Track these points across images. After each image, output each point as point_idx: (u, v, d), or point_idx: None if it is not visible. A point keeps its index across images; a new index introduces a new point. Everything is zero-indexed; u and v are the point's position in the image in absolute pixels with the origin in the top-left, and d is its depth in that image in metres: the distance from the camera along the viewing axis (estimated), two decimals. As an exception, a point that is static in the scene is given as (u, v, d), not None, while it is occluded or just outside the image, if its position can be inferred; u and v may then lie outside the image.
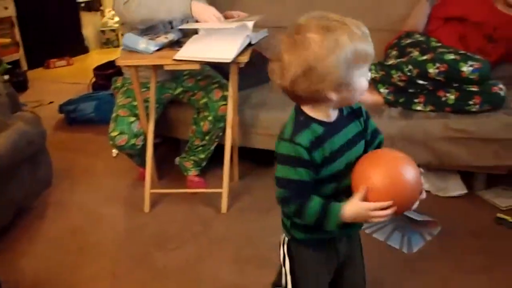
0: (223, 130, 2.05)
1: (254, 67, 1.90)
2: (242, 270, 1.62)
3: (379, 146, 1.08)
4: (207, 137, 2.10)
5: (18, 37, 4.34)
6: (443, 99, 1.95)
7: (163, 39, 1.94)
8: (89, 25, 5.54)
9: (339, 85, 0.90)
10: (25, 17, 4.42)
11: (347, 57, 0.87)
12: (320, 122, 0.96)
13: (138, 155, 2.11)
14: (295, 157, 0.94)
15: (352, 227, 1.04)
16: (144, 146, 2.02)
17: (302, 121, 0.96)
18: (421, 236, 1.80)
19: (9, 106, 2.02)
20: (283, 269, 1.12)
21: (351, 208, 0.95)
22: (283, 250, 1.11)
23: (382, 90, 2.08)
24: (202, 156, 2.18)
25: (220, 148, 2.07)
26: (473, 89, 1.90)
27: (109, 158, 2.55)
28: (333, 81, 0.89)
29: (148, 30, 2.03)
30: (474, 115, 1.91)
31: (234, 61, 1.77)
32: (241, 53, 1.80)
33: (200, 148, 2.15)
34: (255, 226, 1.88)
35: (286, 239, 1.10)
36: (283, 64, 0.91)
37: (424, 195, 0.98)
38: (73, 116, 3.09)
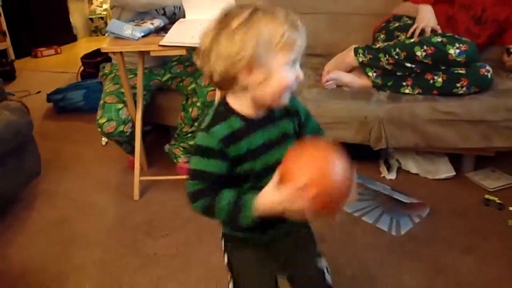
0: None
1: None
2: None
3: None
4: (196, 123, 2.09)
5: (4, 26, 4.28)
6: (431, 82, 1.94)
7: (149, 25, 1.92)
8: (77, 13, 5.47)
9: (248, 65, 0.83)
10: (12, 6, 4.35)
11: (264, 38, 0.81)
12: (242, 117, 0.90)
13: (127, 143, 2.09)
14: (208, 148, 0.89)
15: (291, 224, 0.92)
16: (132, 133, 2.01)
17: (221, 112, 0.91)
18: (410, 218, 1.81)
19: (-6, 96, 2.00)
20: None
21: (265, 197, 0.86)
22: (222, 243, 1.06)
23: (370, 73, 2.08)
24: (192, 142, 2.17)
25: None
26: (461, 71, 1.90)
27: (99, 147, 2.54)
28: (239, 58, 0.82)
29: (143, 14, 2.01)
30: (462, 98, 1.92)
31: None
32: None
33: (190, 134, 2.14)
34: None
35: (222, 240, 1.05)
36: (205, 48, 0.86)
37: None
38: (61, 105, 3.06)
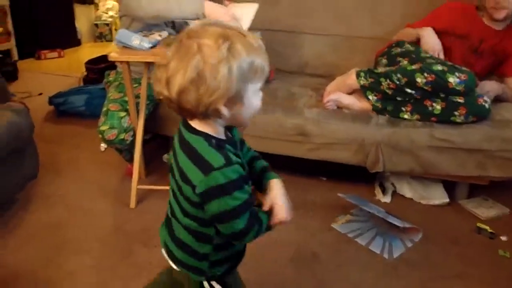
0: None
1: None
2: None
3: (263, 169, 1.05)
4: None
5: (10, 26, 4.31)
6: (430, 108, 1.98)
7: (157, 37, 1.95)
8: (83, 17, 5.52)
9: (231, 99, 0.83)
10: (18, 6, 4.39)
11: (241, 69, 0.81)
12: (219, 140, 0.90)
13: (127, 150, 2.11)
14: (238, 178, 0.87)
15: None
16: (133, 141, 2.02)
17: (215, 144, 0.88)
18: (402, 242, 1.83)
19: (-3, 96, 2.01)
20: None
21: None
22: None
23: (370, 97, 2.11)
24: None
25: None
26: (459, 100, 1.93)
27: (97, 152, 2.55)
28: (224, 94, 0.81)
29: (152, 26, 2.04)
30: (459, 126, 1.95)
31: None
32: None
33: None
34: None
35: (209, 282, 1.02)
36: (169, 72, 0.82)
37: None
38: (62, 109, 3.08)
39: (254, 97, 0.88)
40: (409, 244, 1.82)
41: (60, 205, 2.04)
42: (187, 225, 0.96)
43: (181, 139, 0.92)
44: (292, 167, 2.27)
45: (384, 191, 2.17)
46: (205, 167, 0.86)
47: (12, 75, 3.85)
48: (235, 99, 0.84)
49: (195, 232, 0.96)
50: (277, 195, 0.99)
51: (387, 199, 2.13)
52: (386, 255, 1.75)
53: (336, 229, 1.90)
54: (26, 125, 1.97)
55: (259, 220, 0.94)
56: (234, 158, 0.88)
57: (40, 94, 3.47)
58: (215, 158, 0.86)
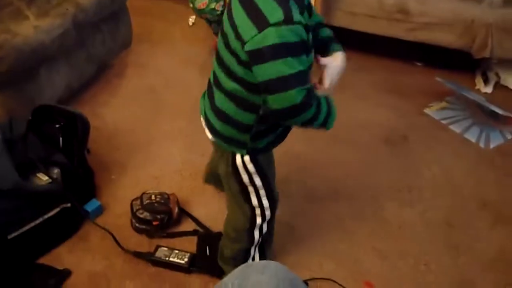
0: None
1: None
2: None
3: (328, 39, 0.94)
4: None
5: None
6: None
7: None
8: None
9: None
10: None
11: None
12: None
13: (215, 22, 2.08)
14: (296, 42, 0.75)
15: None
16: (223, 12, 1.98)
17: None
18: (501, 133, 1.71)
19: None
20: (249, 188, 1.00)
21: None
22: (249, 168, 0.97)
23: (487, -28, 1.85)
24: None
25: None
26: None
27: (186, 27, 2.55)
28: None
29: None
30: None
31: None
32: None
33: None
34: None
35: (243, 157, 0.96)
36: None
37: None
38: (151, -17, 3.05)
39: None
40: (509, 136, 1.70)
41: (153, 72, 2.11)
42: (232, 90, 0.87)
43: None
44: (385, 49, 2.14)
45: (486, 81, 2.00)
46: (261, 22, 0.75)
47: None
48: None
49: (240, 99, 0.88)
50: (333, 69, 0.89)
51: (488, 89, 1.97)
52: (482, 145, 1.66)
53: (429, 115, 1.81)
54: (120, -10, 1.98)
55: (318, 101, 0.83)
56: (297, 16, 0.76)
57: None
58: (273, 11, 0.74)
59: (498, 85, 2.01)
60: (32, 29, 1.55)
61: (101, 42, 1.93)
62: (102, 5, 1.85)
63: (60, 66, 1.71)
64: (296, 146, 1.56)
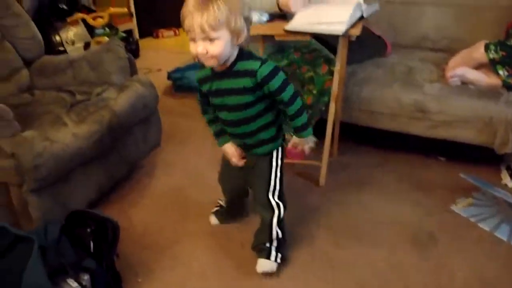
0: (326, 104, 2.04)
1: (359, 42, 1.85)
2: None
3: None
4: (310, 111, 2.11)
5: (132, 8, 4.63)
6: None
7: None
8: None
9: None
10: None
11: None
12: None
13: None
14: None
15: None
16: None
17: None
18: (533, 230, 1.67)
19: (128, 70, 2.19)
20: (273, 175, 1.48)
21: None
22: (279, 159, 1.49)
23: (501, 72, 1.92)
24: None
25: (320, 123, 2.06)
26: None
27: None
28: None
29: None
30: None
31: (345, 34, 1.74)
32: (352, 26, 1.76)
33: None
34: (351, 200, 1.89)
35: (277, 149, 1.47)
36: None
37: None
38: (179, 84, 3.26)
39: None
40: (541, 233, 1.66)
41: (181, 171, 2.18)
42: (258, 111, 1.38)
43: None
44: (408, 145, 2.18)
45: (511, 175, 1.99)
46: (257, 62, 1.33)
47: (135, 53, 4.15)
48: None
49: (264, 109, 1.39)
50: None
51: (514, 184, 1.96)
52: (513, 243, 1.62)
53: (456, 212, 1.79)
54: (152, 97, 2.13)
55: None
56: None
57: (159, 70, 3.71)
58: (257, 57, 1.39)
59: (524, 179, 1.99)
60: (71, 136, 1.66)
61: (133, 144, 2.03)
62: (135, 111, 1.98)
63: (94, 168, 1.80)
64: (324, 246, 1.55)
